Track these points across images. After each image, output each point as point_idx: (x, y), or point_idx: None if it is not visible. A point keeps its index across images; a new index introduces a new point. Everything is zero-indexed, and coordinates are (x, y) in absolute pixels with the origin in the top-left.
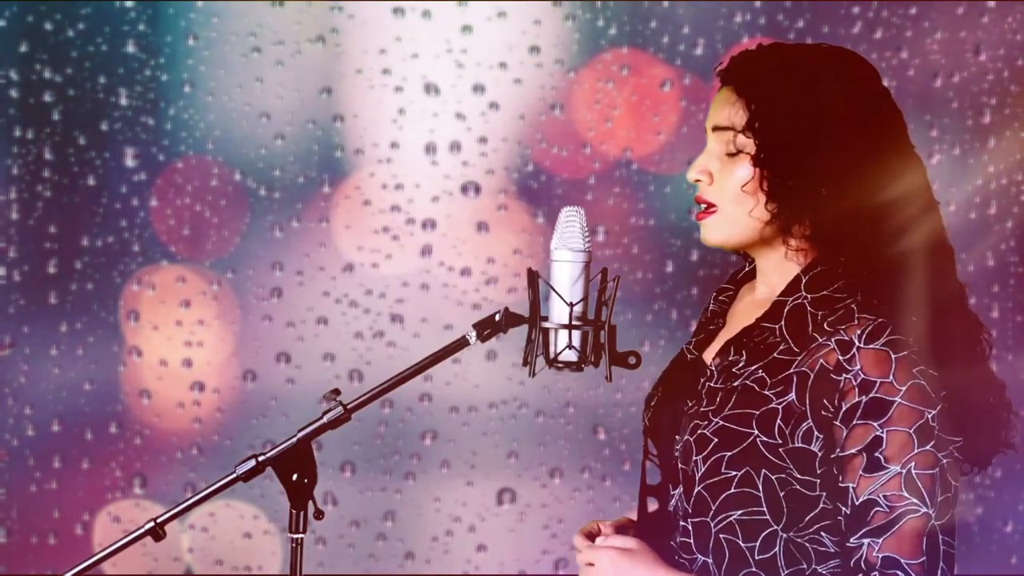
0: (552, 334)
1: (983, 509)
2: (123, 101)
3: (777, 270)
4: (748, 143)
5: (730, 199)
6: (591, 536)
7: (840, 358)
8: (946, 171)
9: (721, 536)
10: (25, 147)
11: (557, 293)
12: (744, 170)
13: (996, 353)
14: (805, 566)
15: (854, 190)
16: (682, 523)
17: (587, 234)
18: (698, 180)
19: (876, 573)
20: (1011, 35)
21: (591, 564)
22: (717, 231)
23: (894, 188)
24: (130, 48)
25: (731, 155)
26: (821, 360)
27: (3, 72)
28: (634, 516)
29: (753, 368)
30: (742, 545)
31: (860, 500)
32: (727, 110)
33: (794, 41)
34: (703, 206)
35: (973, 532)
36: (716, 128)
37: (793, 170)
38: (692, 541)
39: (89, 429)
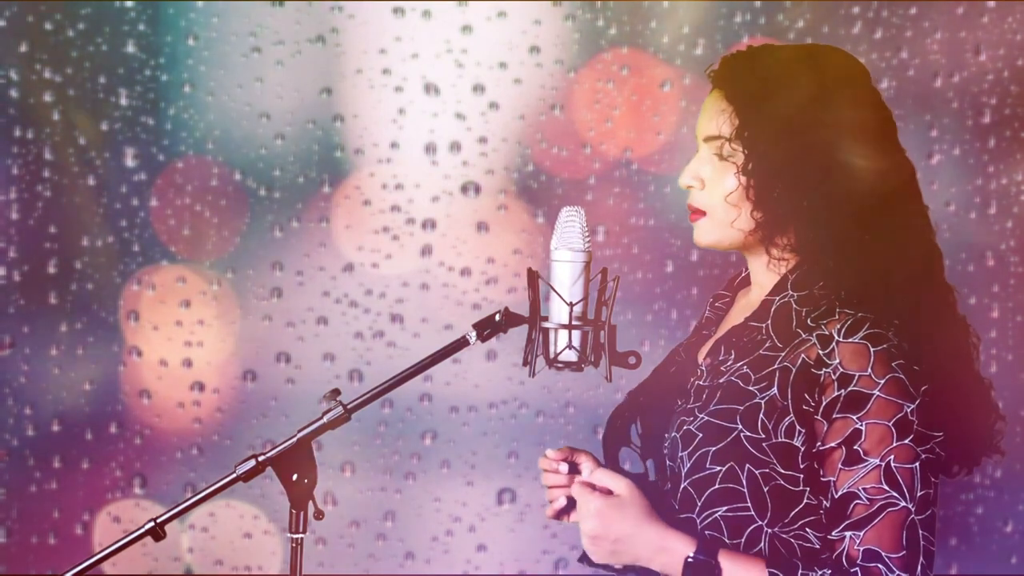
0: (552, 334)
1: (983, 509)
2: (123, 101)
3: (766, 271)
4: (736, 152)
5: (719, 205)
6: (565, 461)
7: (820, 352)
8: (946, 171)
9: (707, 533)
10: (25, 147)
11: (557, 293)
12: (732, 179)
13: (996, 353)
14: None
15: (838, 202)
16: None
17: (587, 234)
18: (690, 186)
19: (857, 568)
20: (1011, 35)
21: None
22: (708, 235)
23: (879, 196)
24: (130, 48)
25: (721, 159)
26: (803, 355)
27: (3, 72)
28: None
29: (739, 365)
30: (727, 542)
31: (840, 493)
32: (716, 118)
33: (793, 41)
34: (693, 210)
35: (973, 532)
36: (709, 137)
37: (778, 181)
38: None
39: (89, 429)
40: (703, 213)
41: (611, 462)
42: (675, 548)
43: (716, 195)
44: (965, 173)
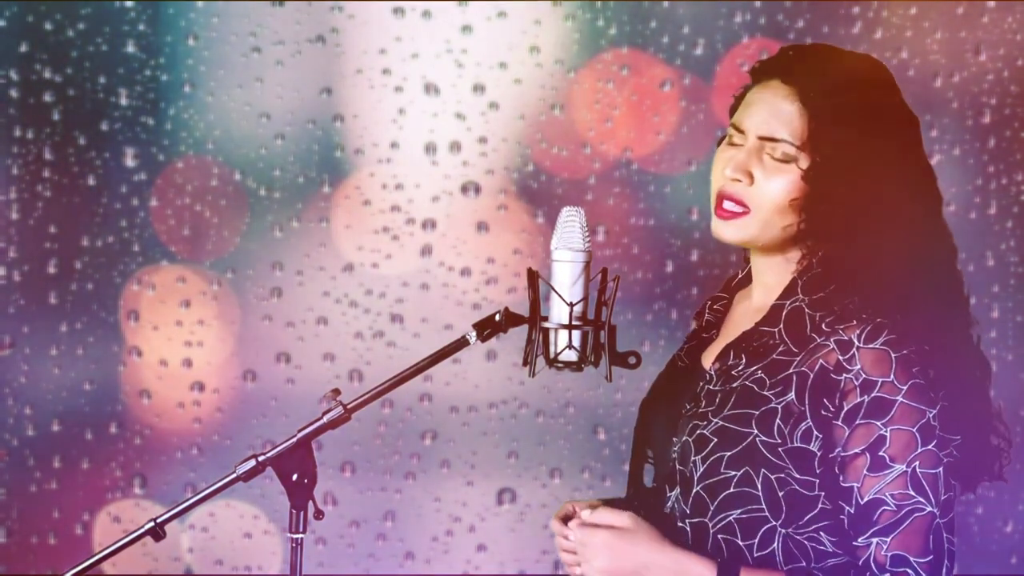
0: (552, 334)
1: (983, 509)
2: (123, 101)
3: (773, 271)
4: (801, 156)
5: (769, 206)
6: (568, 519)
7: (840, 358)
8: (946, 171)
9: (719, 537)
10: (25, 147)
11: (557, 293)
12: (790, 184)
13: (996, 353)
14: (804, 564)
15: (881, 219)
16: (679, 524)
17: (587, 234)
18: (737, 179)
19: (888, 573)
20: (1011, 35)
21: (575, 552)
22: (742, 232)
23: (910, 211)
24: (130, 48)
25: (780, 161)
26: (821, 360)
27: (3, 72)
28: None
29: (752, 369)
30: (740, 544)
31: (866, 500)
32: (778, 118)
33: (794, 41)
34: (732, 204)
35: (973, 532)
36: (768, 138)
37: (841, 197)
38: (690, 542)
39: (89, 429)
40: (745, 210)
41: (635, 479)
42: (694, 572)
43: (766, 195)
44: (965, 173)
